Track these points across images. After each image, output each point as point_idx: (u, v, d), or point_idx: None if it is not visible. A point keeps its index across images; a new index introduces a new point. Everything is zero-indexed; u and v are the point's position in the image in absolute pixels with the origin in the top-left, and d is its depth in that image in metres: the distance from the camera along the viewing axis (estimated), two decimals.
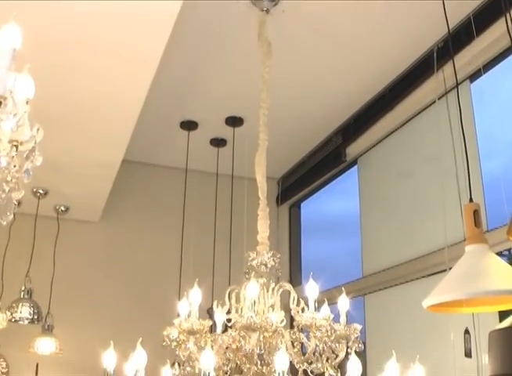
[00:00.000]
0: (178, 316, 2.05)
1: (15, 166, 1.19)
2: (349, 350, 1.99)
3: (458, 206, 3.04)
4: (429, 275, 3.79)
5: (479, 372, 3.20)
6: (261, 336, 1.91)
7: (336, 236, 5.79)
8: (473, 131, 3.61)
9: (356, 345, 2.01)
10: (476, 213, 2.04)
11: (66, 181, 4.62)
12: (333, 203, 5.97)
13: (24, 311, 4.50)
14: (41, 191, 4.76)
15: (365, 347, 4.07)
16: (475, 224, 2.03)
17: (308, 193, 5.82)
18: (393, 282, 4.27)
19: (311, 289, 1.98)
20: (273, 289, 2.14)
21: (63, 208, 5.13)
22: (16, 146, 1.20)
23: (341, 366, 1.97)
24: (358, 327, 2.05)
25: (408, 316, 4.07)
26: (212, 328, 2.14)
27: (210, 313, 2.21)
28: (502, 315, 2.24)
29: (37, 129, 1.22)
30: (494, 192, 3.35)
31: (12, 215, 1.24)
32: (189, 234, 5.11)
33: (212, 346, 1.90)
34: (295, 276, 5.57)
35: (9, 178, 1.19)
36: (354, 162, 5.06)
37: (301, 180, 5.68)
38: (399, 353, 1.81)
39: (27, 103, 1.17)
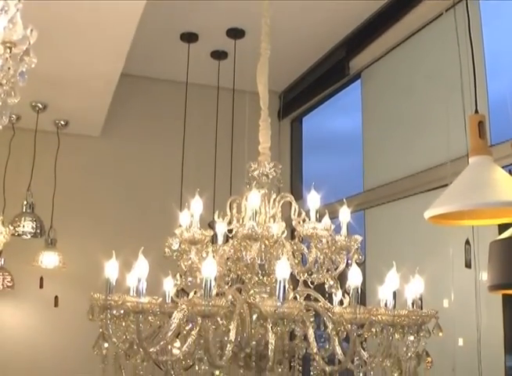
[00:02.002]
0: (180, 226, 2.05)
1: (9, 68, 1.16)
2: (349, 262, 2.00)
3: (462, 121, 2.99)
4: (430, 189, 3.79)
5: (476, 285, 3.25)
6: (262, 246, 1.91)
7: (337, 152, 5.78)
8: (480, 46, 3.52)
9: (356, 256, 2.02)
10: (481, 124, 2.01)
11: (65, 95, 4.56)
12: (335, 118, 5.92)
13: (27, 225, 4.54)
14: (39, 105, 4.69)
15: (364, 262, 4.12)
16: (480, 135, 2.00)
17: (311, 107, 5.75)
18: (394, 196, 4.28)
19: (313, 199, 1.97)
20: (274, 200, 2.13)
21: (62, 123, 5.09)
22: (10, 48, 1.16)
23: (341, 278, 1.98)
24: (359, 238, 2.05)
25: (408, 231, 4.11)
26: (213, 240, 2.15)
27: (211, 226, 2.21)
28: (502, 229, 2.24)
29: (31, 30, 1.18)
30: (499, 111, 3.30)
31: (8, 119, 1.21)
32: (190, 147, 5.10)
33: (213, 256, 1.91)
34: (296, 191, 5.57)
35: (4, 82, 1.16)
36: (357, 76, 4.97)
37: (303, 94, 5.60)
38: (399, 267, 1.81)
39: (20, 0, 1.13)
